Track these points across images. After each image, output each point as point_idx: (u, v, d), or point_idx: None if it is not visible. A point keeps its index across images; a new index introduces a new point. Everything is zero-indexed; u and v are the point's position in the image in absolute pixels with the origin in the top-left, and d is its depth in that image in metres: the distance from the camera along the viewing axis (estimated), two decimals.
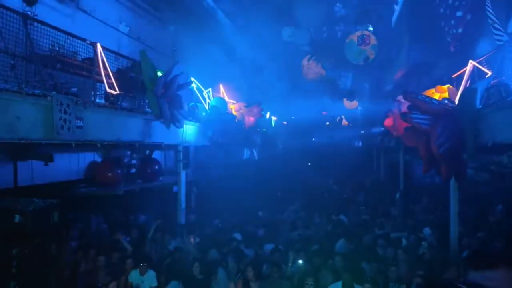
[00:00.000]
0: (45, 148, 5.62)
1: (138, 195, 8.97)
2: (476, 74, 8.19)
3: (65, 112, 5.25)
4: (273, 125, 21.75)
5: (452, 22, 9.82)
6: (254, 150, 18.15)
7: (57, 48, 6.51)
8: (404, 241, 7.77)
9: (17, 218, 3.91)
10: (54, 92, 5.19)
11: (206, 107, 11.51)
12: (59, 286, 5.05)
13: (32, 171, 6.19)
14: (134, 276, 6.09)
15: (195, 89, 10.86)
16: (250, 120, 15.03)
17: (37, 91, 4.99)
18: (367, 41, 16.87)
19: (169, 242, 7.69)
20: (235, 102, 14.69)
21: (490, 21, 7.43)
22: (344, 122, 31.47)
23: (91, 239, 7.33)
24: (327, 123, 31.51)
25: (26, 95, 4.76)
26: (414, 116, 6.80)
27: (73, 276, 5.98)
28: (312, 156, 27.34)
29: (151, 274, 6.12)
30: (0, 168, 5.62)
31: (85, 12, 9.40)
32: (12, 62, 5.38)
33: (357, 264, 6.43)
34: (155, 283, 6.08)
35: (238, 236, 8.00)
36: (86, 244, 6.84)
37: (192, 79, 10.07)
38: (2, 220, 3.91)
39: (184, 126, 8.98)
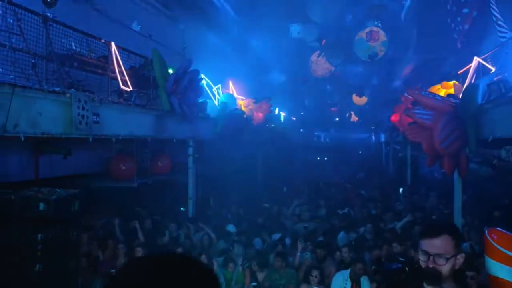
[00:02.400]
0: (64, 142, 5.95)
1: (151, 188, 9.32)
2: (481, 70, 8.32)
3: (83, 108, 5.57)
4: (282, 121, 21.99)
5: (459, 18, 9.91)
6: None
7: (74, 48, 6.83)
8: (398, 225, 8.03)
9: (41, 206, 4.24)
10: (73, 90, 5.51)
11: (216, 103, 11.79)
12: (79, 270, 5.39)
13: (51, 165, 6.55)
14: None
15: (205, 85, 11.14)
16: (259, 116, 15.28)
17: (57, 89, 5.31)
18: (376, 37, 16.94)
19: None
20: (244, 98, 14.95)
21: (494, 18, 7.55)
22: (354, 117, 31.54)
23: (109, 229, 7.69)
24: (337, 118, 31.60)
25: (48, 93, 5.08)
26: (417, 111, 6.99)
27: (90, 263, 6.34)
28: (321, 152, 27.51)
29: None
30: (23, 161, 5.98)
31: (99, 11, 9.72)
32: (33, 61, 5.73)
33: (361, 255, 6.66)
34: None
35: (231, 228, 8.25)
36: (104, 233, 7.23)
37: (202, 75, 10.36)
38: (28, 207, 4.25)
39: (195, 121, 9.28)
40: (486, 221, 8.16)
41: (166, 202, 10.15)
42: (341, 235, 7.70)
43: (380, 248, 6.93)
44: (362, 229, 8.14)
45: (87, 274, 6.21)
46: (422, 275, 1.83)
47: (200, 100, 9.81)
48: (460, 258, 1.92)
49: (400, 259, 1.87)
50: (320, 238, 7.48)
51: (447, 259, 1.87)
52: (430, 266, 1.87)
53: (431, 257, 1.87)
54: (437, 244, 1.88)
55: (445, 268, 1.86)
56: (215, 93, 12.14)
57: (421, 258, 1.92)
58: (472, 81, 8.38)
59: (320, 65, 21.31)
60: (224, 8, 16.79)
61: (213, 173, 12.20)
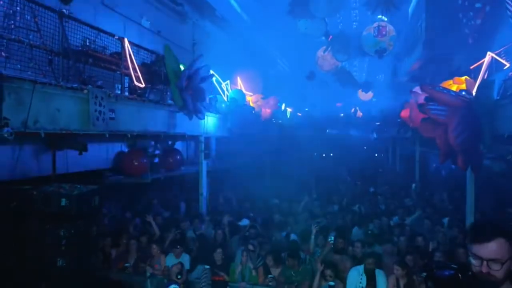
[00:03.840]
0: (80, 138, 5.98)
1: (162, 183, 9.36)
2: (494, 65, 8.26)
3: (100, 105, 5.60)
4: (288, 116, 21.97)
5: (471, 13, 9.84)
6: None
7: (88, 44, 6.84)
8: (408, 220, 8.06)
9: (63, 201, 4.27)
10: (90, 86, 5.53)
11: (225, 99, 11.80)
12: (97, 265, 5.44)
13: (67, 160, 6.57)
14: (170, 260, 6.41)
15: (214, 81, 11.15)
16: (266, 111, 15.29)
17: (74, 85, 5.32)
18: (383, 32, 16.83)
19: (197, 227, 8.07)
20: (252, 94, 14.96)
21: (509, 13, 7.50)
22: (359, 113, 31.48)
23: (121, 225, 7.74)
24: (342, 114, 31.55)
25: (66, 89, 5.10)
26: (432, 107, 6.96)
27: (105, 258, 6.40)
28: (327, 148, 27.45)
29: (185, 258, 6.42)
30: (40, 157, 6.01)
31: (108, 7, 9.74)
32: (49, 57, 5.75)
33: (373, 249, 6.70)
34: (187, 267, 6.34)
35: (245, 221, 8.29)
36: (116, 229, 7.29)
37: (212, 71, 10.35)
38: (50, 203, 4.28)
39: (205, 117, 9.29)
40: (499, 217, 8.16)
41: (177, 197, 10.18)
42: (355, 230, 7.71)
43: (392, 242, 6.99)
44: (372, 225, 8.17)
45: (102, 269, 6.27)
46: (476, 282, 1.73)
47: (210, 96, 9.80)
48: None
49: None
50: (333, 234, 7.49)
51: (503, 264, 1.75)
52: (484, 271, 1.77)
53: (485, 262, 1.76)
54: (492, 249, 1.77)
55: (500, 273, 1.76)
56: (224, 89, 12.14)
57: (474, 263, 1.80)
58: (485, 77, 8.32)
59: (326, 60, 21.27)
60: (232, 4, 16.76)
61: (222, 169, 12.23)
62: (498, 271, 1.75)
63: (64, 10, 5.96)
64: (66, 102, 5.24)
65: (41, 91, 4.74)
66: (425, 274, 1.79)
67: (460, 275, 1.66)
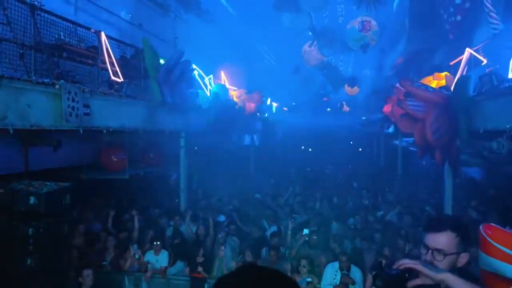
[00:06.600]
0: (54, 135, 5.85)
1: (142, 180, 9.25)
2: (473, 61, 8.34)
3: (73, 100, 5.47)
4: (273, 111, 21.95)
5: (451, 9, 9.90)
6: (254, 136, 18.39)
7: (62, 37, 6.69)
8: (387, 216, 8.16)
9: (32, 199, 4.18)
10: (62, 81, 5.40)
11: (208, 93, 11.68)
12: (71, 263, 5.36)
13: (41, 157, 6.44)
14: (149, 256, 6.37)
15: (196, 76, 11.01)
16: (251, 106, 15.21)
17: (46, 80, 5.19)
18: (367, 27, 16.84)
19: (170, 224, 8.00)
20: (236, 88, 14.85)
21: (486, 9, 7.56)
22: (345, 108, 31.63)
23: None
24: (328, 109, 31.66)
25: (37, 84, 4.97)
26: (410, 103, 7.02)
27: (82, 255, 6.31)
28: (313, 142, 27.57)
29: (164, 254, 6.41)
30: (12, 154, 5.87)
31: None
32: (21, 51, 5.60)
33: (351, 244, 6.77)
34: (166, 263, 6.35)
35: (222, 218, 8.30)
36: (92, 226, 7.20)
37: (194, 66, 10.23)
38: (18, 201, 4.18)
39: (186, 112, 9.19)
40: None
41: (158, 194, 10.09)
42: (334, 225, 7.77)
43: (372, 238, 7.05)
44: (352, 220, 8.24)
45: (79, 266, 6.19)
46: (420, 277, 1.76)
47: (192, 91, 9.70)
48: (464, 257, 1.89)
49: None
50: (315, 228, 7.53)
51: (446, 255, 1.84)
52: (428, 259, 1.86)
53: (430, 252, 1.86)
54: (439, 240, 1.86)
55: (442, 264, 1.83)
56: (207, 83, 12.01)
57: (422, 252, 1.92)
58: (464, 73, 8.40)
59: (312, 55, 21.23)
60: None
61: (205, 164, 12.17)
62: (440, 261, 1.84)
63: (36, 2, 5.81)
64: (37, 97, 5.10)
65: (9, 86, 4.60)
66: (374, 272, 1.86)
67: (406, 274, 1.71)
